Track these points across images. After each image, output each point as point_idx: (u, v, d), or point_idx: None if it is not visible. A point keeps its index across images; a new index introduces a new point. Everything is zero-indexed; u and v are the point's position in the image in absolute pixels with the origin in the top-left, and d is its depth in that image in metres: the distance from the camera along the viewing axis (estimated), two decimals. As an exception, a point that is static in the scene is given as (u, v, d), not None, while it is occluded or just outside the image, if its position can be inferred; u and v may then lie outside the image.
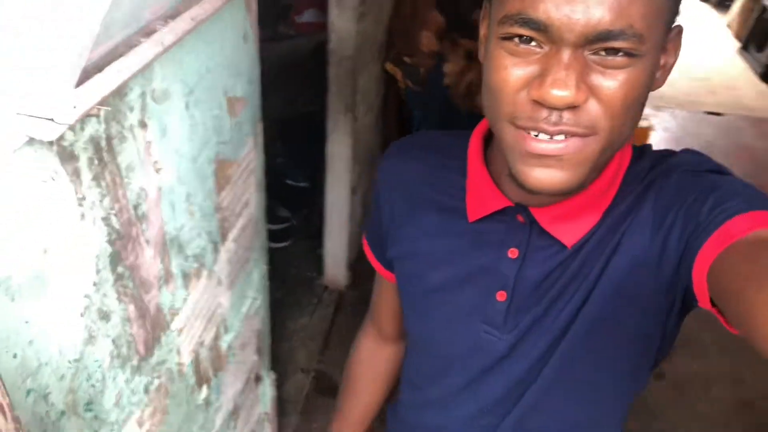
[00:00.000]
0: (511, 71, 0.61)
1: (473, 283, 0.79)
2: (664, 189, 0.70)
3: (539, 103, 0.60)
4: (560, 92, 0.58)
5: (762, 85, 4.64)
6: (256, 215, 1.31)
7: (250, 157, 1.22)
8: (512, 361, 0.79)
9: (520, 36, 0.59)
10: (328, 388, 2.30)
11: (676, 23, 0.64)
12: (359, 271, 2.72)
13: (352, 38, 2.09)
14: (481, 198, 0.77)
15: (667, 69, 0.67)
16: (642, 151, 0.75)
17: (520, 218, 0.75)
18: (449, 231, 0.80)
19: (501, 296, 0.77)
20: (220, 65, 1.03)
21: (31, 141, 0.59)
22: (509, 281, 0.76)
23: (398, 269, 0.88)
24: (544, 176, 0.63)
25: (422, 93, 2.60)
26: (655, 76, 0.64)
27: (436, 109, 2.63)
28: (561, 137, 0.61)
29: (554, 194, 0.66)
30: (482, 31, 0.70)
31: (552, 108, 0.60)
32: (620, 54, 0.58)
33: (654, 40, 0.60)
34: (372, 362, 1.06)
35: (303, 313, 2.58)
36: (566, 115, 0.60)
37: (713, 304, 0.61)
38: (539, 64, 0.60)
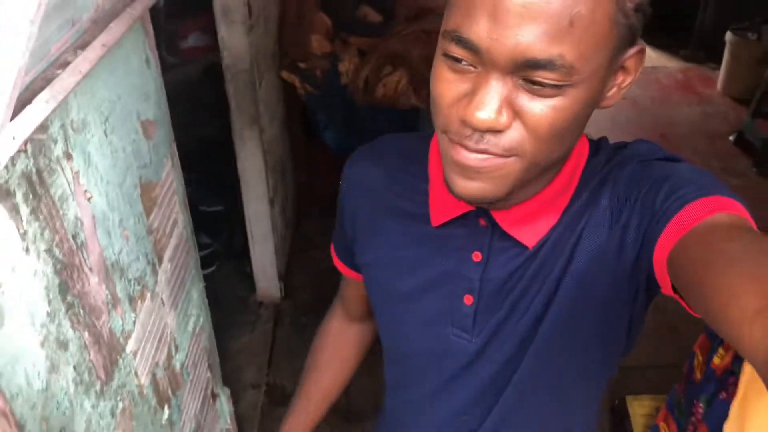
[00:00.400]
0: (448, 86, 0.62)
1: (440, 288, 0.80)
2: (618, 183, 0.70)
3: (463, 122, 0.61)
4: (482, 115, 0.59)
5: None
6: (185, 234, 1.34)
7: (170, 178, 1.25)
8: (484, 362, 0.80)
9: (456, 58, 0.60)
10: (281, 398, 2.32)
11: (638, 43, 0.63)
12: (291, 281, 2.76)
13: (245, 51, 2.12)
14: (444, 203, 0.78)
15: (624, 87, 0.66)
16: (598, 145, 0.75)
17: (482, 222, 0.76)
18: (413, 237, 0.81)
19: (468, 300, 0.79)
20: (129, 91, 1.06)
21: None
22: (475, 284, 0.78)
23: (366, 278, 0.89)
24: (467, 186, 0.65)
25: (322, 96, 2.66)
26: (602, 97, 0.64)
27: (338, 109, 2.69)
28: (482, 156, 0.63)
29: (477, 203, 0.69)
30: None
31: (474, 129, 0.61)
32: (547, 86, 0.58)
33: (592, 69, 0.59)
34: (339, 342, 1.07)
35: (243, 331, 2.59)
36: (487, 137, 0.61)
37: (675, 291, 0.62)
38: (471, 84, 0.61)
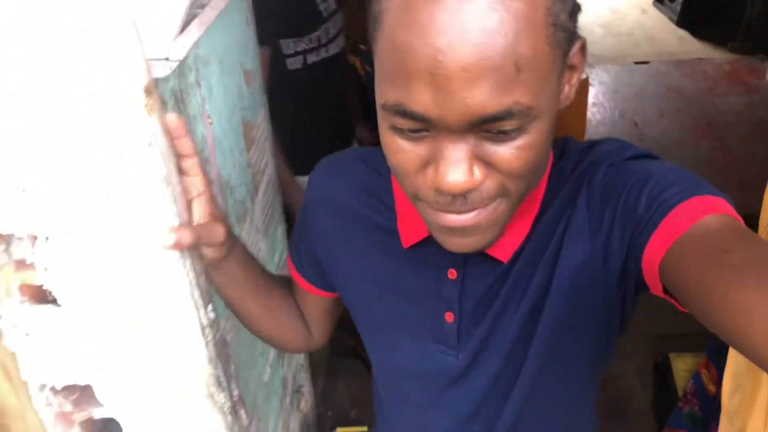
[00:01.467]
0: (406, 155, 0.58)
1: (420, 306, 0.79)
2: (593, 189, 0.67)
3: (438, 191, 0.58)
4: (455, 180, 0.56)
5: (680, 31, 5.04)
6: (273, 177, 1.52)
7: (264, 123, 1.43)
8: (475, 376, 0.79)
9: (405, 126, 0.56)
10: (343, 349, 2.49)
11: (577, 40, 0.60)
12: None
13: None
14: (413, 223, 0.75)
15: (575, 83, 0.63)
16: (563, 149, 0.72)
17: None
18: (388, 253, 0.79)
19: (449, 317, 0.77)
20: (235, 43, 1.24)
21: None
22: (454, 303, 0.76)
23: (344, 296, 0.87)
24: (463, 243, 0.63)
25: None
26: (559, 106, 0.60)
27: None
28: (472, 214, 0.60)
29: (478, 251, 0.65)
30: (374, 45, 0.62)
31: (452, 195, 0.58)
32: (510, 131, 0.55)
33: (547, 98, 0.56)
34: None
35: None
36: (470, 195, 0.59)
37: (665, 292, 0.60)
38: (429, 149, 0.57)
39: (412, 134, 0.57)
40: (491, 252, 0.72)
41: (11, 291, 0.70)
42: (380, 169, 0.80)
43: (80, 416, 0.81)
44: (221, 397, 0.79)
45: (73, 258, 0.68)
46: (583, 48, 0.61)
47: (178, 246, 0.67)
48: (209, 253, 0.76)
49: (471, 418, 0.83)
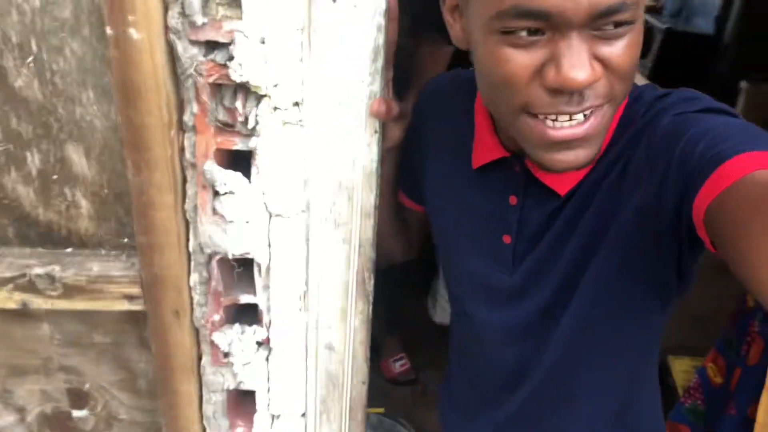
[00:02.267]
0: (518, 63, 0.60)
1: (484, 225, 0.85)
2: (655, 134, 0.69)
3: (557, 90, 0.60)
4: (580, 75, 0.58)
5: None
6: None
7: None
8: (525, 297, 0.83)
9: (522, 28, 0.58)
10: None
11: None
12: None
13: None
14: (484, 147, 0.81)
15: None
16: (640, 94, 0.74)
17: (516, 168, 0.79)
18: (462, 171, 0.85)
19: (507, 239, 0.82)
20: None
21: None
22: (512, 226, 0.81)
23: (427, 205, 0.95)
24: (570, 158, 0.65)
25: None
26: None
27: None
28: (580, 117, 0.62)
29: (579, 169, 0.68)
30: (448, 16, 0.71)
31: (573, 91, 0.60)
32: (621, 25, 0.59)
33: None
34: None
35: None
36: (586, 93, 0.61)
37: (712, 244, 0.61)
38: (547, 50, 0.59)
39: (527, 38, 0.59)
40: (550, 183, 0.75)
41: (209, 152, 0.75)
42: (470, 91, 0.83)
43: (227, 300, 0.84)
44: (370, 284, 0.84)
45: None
46: None
47: (386, 114, 0.73)
48: (393, 132, 0.83)
49: (521, 337, 0.87)
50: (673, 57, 5.29)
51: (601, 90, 0.62)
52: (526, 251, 0.82)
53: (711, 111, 0.69)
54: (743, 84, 4.59)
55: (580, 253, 0.76)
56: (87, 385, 0.95)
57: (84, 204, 0.81)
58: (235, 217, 0.77)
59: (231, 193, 0.75)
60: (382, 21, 0.68)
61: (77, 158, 0.78)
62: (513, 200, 0.80)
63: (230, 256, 0.79)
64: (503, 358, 0.91)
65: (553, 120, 0.63)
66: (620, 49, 0.60)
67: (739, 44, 5.02)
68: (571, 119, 0.63)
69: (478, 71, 0.68)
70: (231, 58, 0.68)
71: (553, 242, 0.78)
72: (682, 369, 2.16)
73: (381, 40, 0.69)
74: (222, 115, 0.73)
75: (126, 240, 0.84)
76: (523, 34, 0.59)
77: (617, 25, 0.59)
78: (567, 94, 0.60)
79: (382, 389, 2.38)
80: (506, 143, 0.79)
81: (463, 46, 0.71)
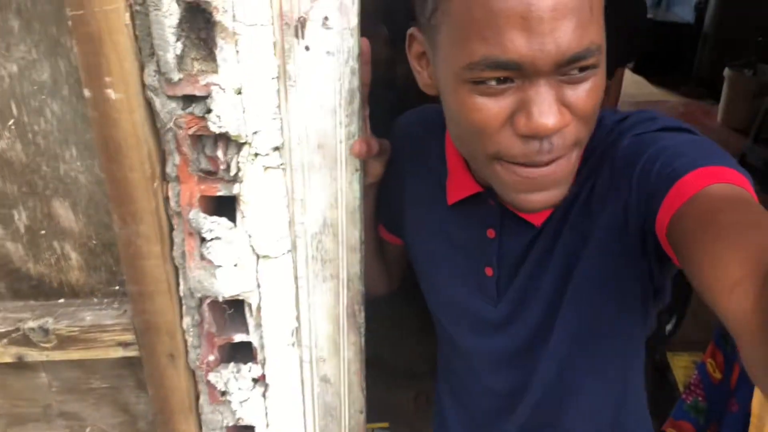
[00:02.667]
0: (489, 112, 0.61)
1: (464, 257, 0.86)
2: (616, 156, 0.71)
3: (528, 137, 0.62)
4: (549, 121, 0.60)
5: (636, 77, 5.40)
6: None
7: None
8: (513, 327, 0.85)
9: (492, 78, 0.60)
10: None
11: None
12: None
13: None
14: (458, 183, 0.82)
15: None
16: (600, 120, 0.74)
17: (491, 202, 0.80)
18: (439, 205, 0.86)
19: (489, 271, 0.84)
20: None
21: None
22: (493, 258, 0.82)
23: (406, 240, 0.96)
24: (540, 198, 0.66)
25: (375, 92, 2.93)
26: None
27: (390, 105, 2.97)
28: (552, 165, 0.64)
29: (552, 208, 0.70)
30: (414, 62, 0.73)
31: (542, 138, 0.61)
32: (587, 70, 0.61)
33: (604, 42, 0.62)
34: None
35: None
36: (555, 141, 0.62)
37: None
38: (516, 97, 0.61)
39: (497, 87, 0.60)
40: (525, 216, 0.77)
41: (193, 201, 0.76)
42: (438, 130, 0.85)
43: (221, 339, 0.86)
44: (361, 317, 0.85)
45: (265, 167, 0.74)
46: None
47: (368, 153, 0.74)
48: (375, 167, 0.84)
49: (511, 365, 0.89)
50: (655, 47, 5.35)
51: (569, 137, 0.63)
52: (508, 281, 0.83)
53: (668, 130, 0.71)
54: (726, 71, 4.64)
55: (560, 277, 0.78)
56: (88, 430, 0.96)
57: (74, 256, 0.82)
58: (223, 262, 0.78)
59: (217, 238, 0.76)
60: (356, 65, 0.69)
61: (64, 212, 0.79)
62: (491, 233, 0.82)
63: (220, 299, 0.80)
64: (495, 382, 0.93)
65: (523, 165, 0.65)
66: (584, 92, 0.62)
67: (718, 31, 5.07)
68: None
69: (450, 118, 0.69)
70: (209, 110, 0.69)
71: (533, 270, 0.80)
72: (681, 365, 2.17)
73: (356, 82, 0.70)
74: (204, 164, 0.74)
75: (117, 287, 0.85)
76: (493, 83, 0.60)
77: (582, 69, 0.60)
78: (537, 140, 0.62)
79: (383, 401, 2.39)
80: (479, 179, 0.81)
81: (431, 92, 0.72)
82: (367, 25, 2.27)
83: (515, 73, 0.59)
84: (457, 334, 0.94)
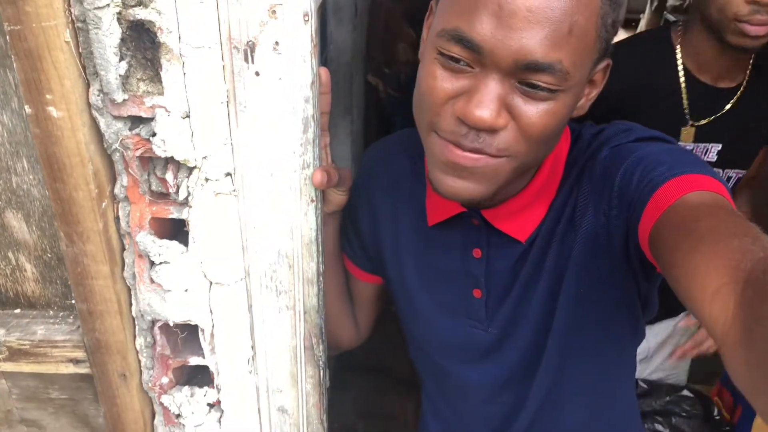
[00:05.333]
0: (441, 83, 0.62)
1: (451, 283, 0.83)
2: (595, 168, 0.71)
3: (460, 121, 0.62)
4: (483, 114, 0.59)
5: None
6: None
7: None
8: (504, 349, 0.82)
9: (453, 57, 0.60)
10: (352, 364, 2.49)
11: (606, 58, 0.66)
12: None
13: (348, 47, 2.38)
14: (438, 204, 0.80)
15: (591, 98, 0.69)
16: (578, 135, 0.76)
17: (475, 221, 0.78)
18: (420, 230, 0.84)
19: (477, 293, 0.81)
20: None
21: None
22: (480, 279, 0.80)
23: (385, 274, 0.91)
24: (456, 185, 0.65)
25: (402, 98, 2.91)
26: (577, 105, 0.66)
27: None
28: (476, 155, 0.63)
29: (464, 203, 0.70)
30: (424, 31, 0.70)
31: (472, 127, 0.61)
32: (544, 89, 0.59)
33: (580, 76, 0.61)
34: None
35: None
36: (483, 136, 0.62)
37: None
38: (467, 83, 0.61)
39: (455, 65, 0.61)
40: (510, 231, 0.76)
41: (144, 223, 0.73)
42: (418, 151, 0.82)
43: (176, 362, 0.83)
44: (319, 350, 0.81)
45: (216, 194, 0.71)
46: (607, 68, 0.68)
47: (327, 183, 0.70)
48: (336, 197, 0.80)
49: (504, 389, 0.86)
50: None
51: (499, 142, 0.62)
52: (498, 302, 0.81)
53: (644, 140, 0.71)
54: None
55: (549, 294, 0.76)
56: (48, 438, 0.95)
57: (29, 267, 0.81)
58: (173, 286, 0.75)
59: (166, 262, 0.74)
60: (309, 93, 0.65)
61: (17, 224, 0.77)
62: (477, 253, 0.80)
63: (171, 324, 0.78)
64: (487, 410, 0.90)
65: (451, 143, 0.64)
66: (535, 111, 0.61)
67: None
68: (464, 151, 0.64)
69: (416, 85, 0.68)
70: (154, 133, 0.66)
71: (523, 288, 0.78)
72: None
73: (310, 111, 0.66)
74: (155, 185, 0.71)
75: (73, 302, 0.83)
76: (451, 61, 0.61)
77: (543, 88, 0.59)
78: (467, 127, 0.61)
79: (385, 408, 2.36)
80: None
81: (420, 55, 0.71)
82: (395, 28, 2.25)
83: (474, 58, 0.59)
84: (446, 365, 0.90)
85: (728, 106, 1.32)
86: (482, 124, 0.60)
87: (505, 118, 0.61)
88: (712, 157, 1.38)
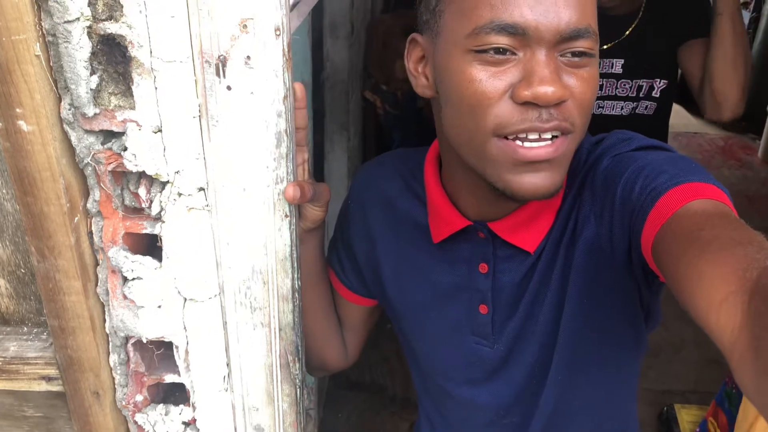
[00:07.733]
0: (489, 82, 0.61)
1: (455, 299, 0.81)
2: (596, 180, 0.71)
3: (528, 104, 0.61)
4: (549, 88, 0.60)
5: (675, 106, 5.23)
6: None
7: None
8: (510, 366, 0.81)
9: (495, 48, 0.61)
10: (345, 383, 2.47)
11: None
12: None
13: (345, 64, 2.38)
14: (442, 219, 0.78)
15: None
16: (579, 145, 0.74)
17: (481, 234, 0.77)
18: (423, 248, 0.82)
19: (483, 309, 0.80)
20: (298, 50, 1.30)
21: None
22: (487, 295, 0.79)
23: (385, 296, 0.89)
24: (536, 181, 0.64)
25: (399, 116, 2.91)
26: None
27: (413, 129, 2.93)
28: (548, 140, 0.63)
29: (544, 198, 0.66)
30: (416, 72, 0.72)
31: (543, 105, 0.61)
32: (583, 55, 0.62)
33: (598, 37, 0.65)
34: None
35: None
36: (554, 112, 0.62)
37: None
38: (516, 70, 0.61)
39: (497, 57, 0.61)
40: (518, 243, 0.75)
41: (117, 238, 0.72)
42: (415, 168, 0.83)
43: (151, 379, 0.82)
44: (296, 368, 0.80)
45: (190, 209, 0.70)
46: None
47: (301, 198, 0.69)
48: (313, 213, 0.79)
49: (510, 408, 0.84)
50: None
51: (567, 114, 0.63)
52: (505, 318, 0.79)
53: (644, 148, 0.71)
54: (772, 107, 4.45)
55: (555, 306, 0.75)
56: (24, 457, 0.93)
57: (2, 283, 0.80)
58: (146, 303, 0.74)
59: (139, 278, 0.73)
60: (281, 107, 0.65)
61: (-9, 239, 0.76)
62: (483, 268, 0.78)
63: (144, 340, 0.77)
64: (495, 429, 0.88)
65: (523, 140, 0.63)
66: (582, 78, 0.63)
67: (762, 64, 4.87)
68: (540, 139, 0.63)
69: (447, 98, 0.67)
70: (125, 148, 0.65)
71: (531, 302, 0.77)
72: (689, 419, 2.06)
73: (283, 125, 0.66)
74: (129, 200, 0.71)
75: (46, 318, 0.82)
76: (495, 54, 0.61)
77: (580, 55, 0.62)
78: (537, 109, 0.61)
79: (379, 428, 2.33)
80: (466, 211, 0.77)
81: (428, 93, 0.71)
82: (393, 45, 2.24)
83: (519, 41, 0.60)
84: (450, 387, 0.88)
85: (627, 32, 1.50)
86: (554, 96, 0.60)
87: (568, 89, 0.62)
88: (618, 69, 1.54)
